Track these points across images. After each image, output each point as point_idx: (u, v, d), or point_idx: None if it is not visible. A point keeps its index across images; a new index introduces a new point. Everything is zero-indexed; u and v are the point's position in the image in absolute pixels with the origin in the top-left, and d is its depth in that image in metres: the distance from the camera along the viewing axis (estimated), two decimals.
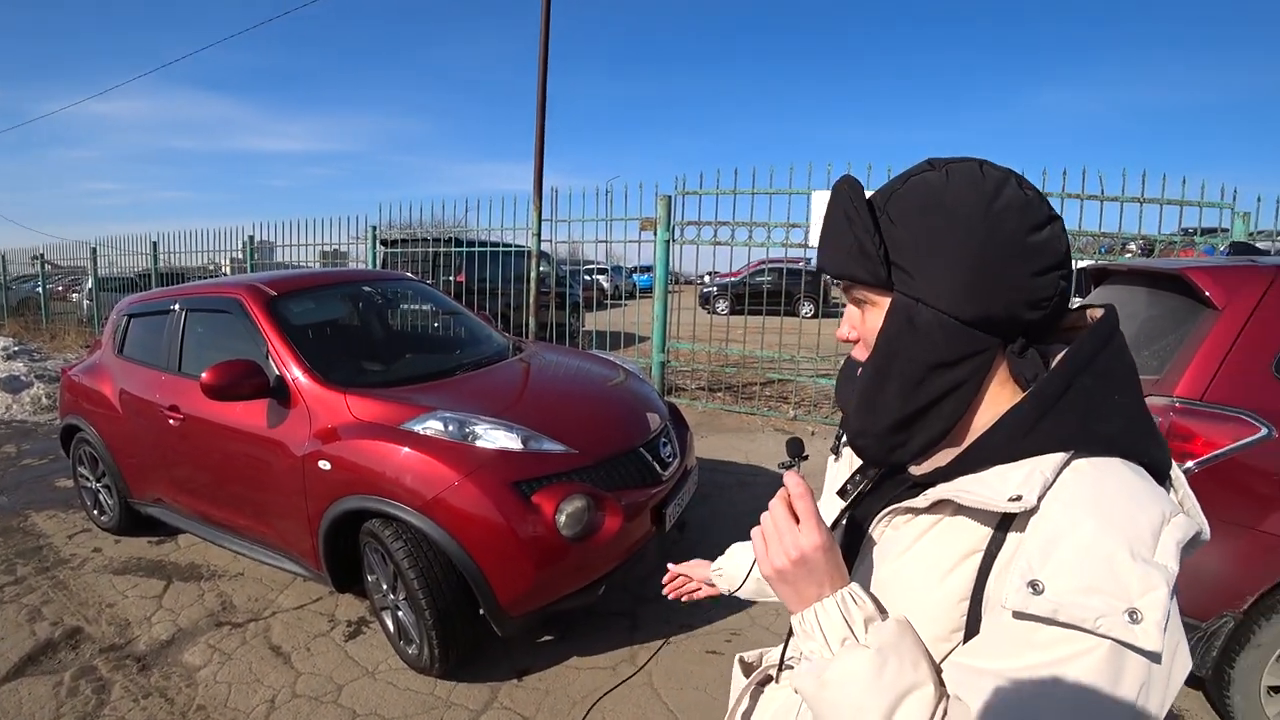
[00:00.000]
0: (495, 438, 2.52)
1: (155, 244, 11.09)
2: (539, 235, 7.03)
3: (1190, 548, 0.57)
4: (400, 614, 2.62)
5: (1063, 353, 0.64)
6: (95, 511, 4.14)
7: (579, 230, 6.84)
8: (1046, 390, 0.62)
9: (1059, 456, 0.60)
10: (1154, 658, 0.53)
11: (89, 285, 13.08)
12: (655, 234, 6.39)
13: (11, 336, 12.87)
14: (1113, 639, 0.52)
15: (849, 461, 0.87)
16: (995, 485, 0.61)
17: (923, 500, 0.66)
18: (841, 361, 0.91)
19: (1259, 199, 4.96)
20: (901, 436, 0.69)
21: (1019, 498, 0.58)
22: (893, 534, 0.71)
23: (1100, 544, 0.54)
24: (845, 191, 0.68)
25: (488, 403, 2.79)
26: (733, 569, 1.15)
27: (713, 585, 1.22)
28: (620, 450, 2.71)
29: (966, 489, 0.62)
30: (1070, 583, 0.53)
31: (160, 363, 3.54)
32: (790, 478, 0.69)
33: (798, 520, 0.66)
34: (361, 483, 2.53)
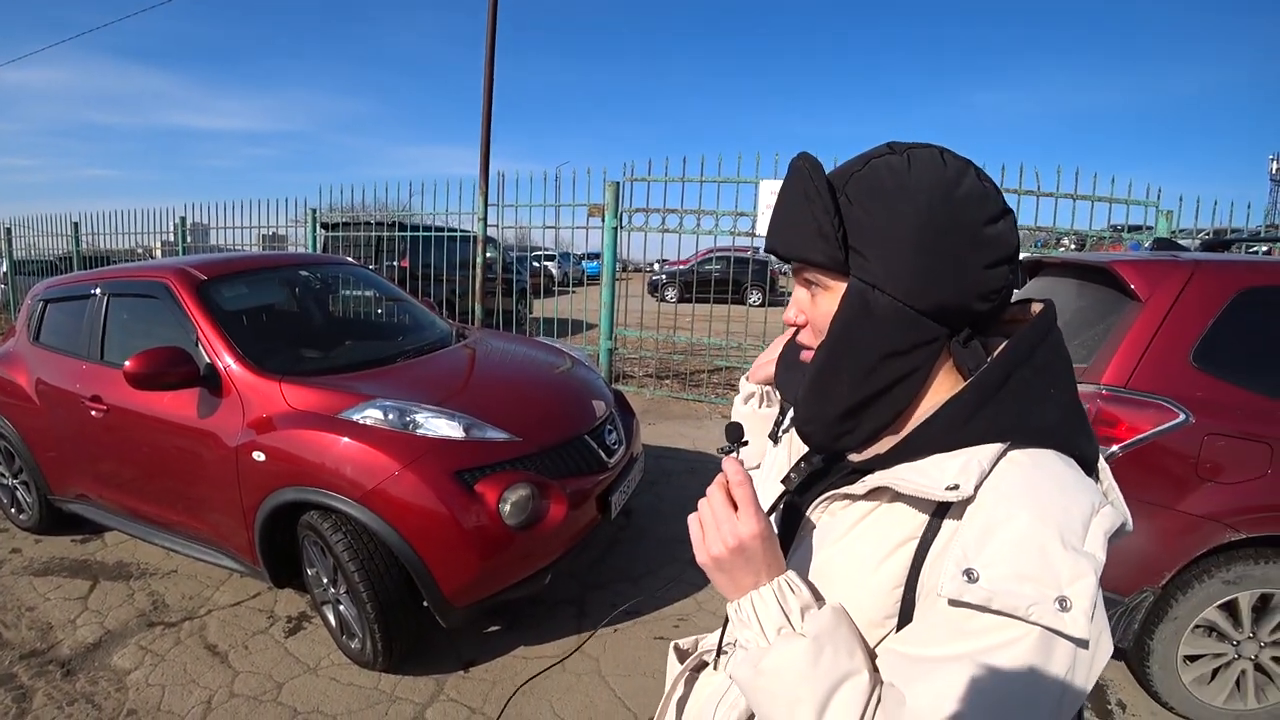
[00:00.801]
0: (437, 426, 2.47)
1: (77, 225, 10.49)
2: (485, 220, 6.90)
3: (1115, 537, 0.59)
4: (342, 608, 2.56)
5: (1003, 345, 0.65)
6: (13, 510, 3.91)
7: (526, 216, 6.75)
8: (986, 381, 0.63)
9: (995, 447, 0.61)
10: (1081, 644, 0.54)
11: (3, 268, 12.32)
12: (603, 220, 6.35)
13: None
14: (1042, 626, 0.53)
15: (789, 447, 0.87)
16: (933, 474, 0.61)
17: (860, 487, 0.66)
18: None
19: (1180, 199, 5.23)
20: (850, 424, 0.68)
21: (956, 487, 0.59)
22: (829, 520, 0.71)
23: (1034, 534, 0.55)
24: (805, 170, 0.65)
25: (429, 390, 2.73)
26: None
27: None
28: (565, 438, 2.69)
29: (904, 477, 0.63)
30: (1004, 570, 0.54)
31: (81, 351, 3.35)
32: (729, 464, 0.69)
33: (736, 508, 0.66)
34: (298, 474, 2.45)
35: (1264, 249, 5.46)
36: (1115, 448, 2.20)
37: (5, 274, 12.14)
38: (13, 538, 3.81)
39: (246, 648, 2.75)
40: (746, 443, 0.78)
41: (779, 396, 0.98)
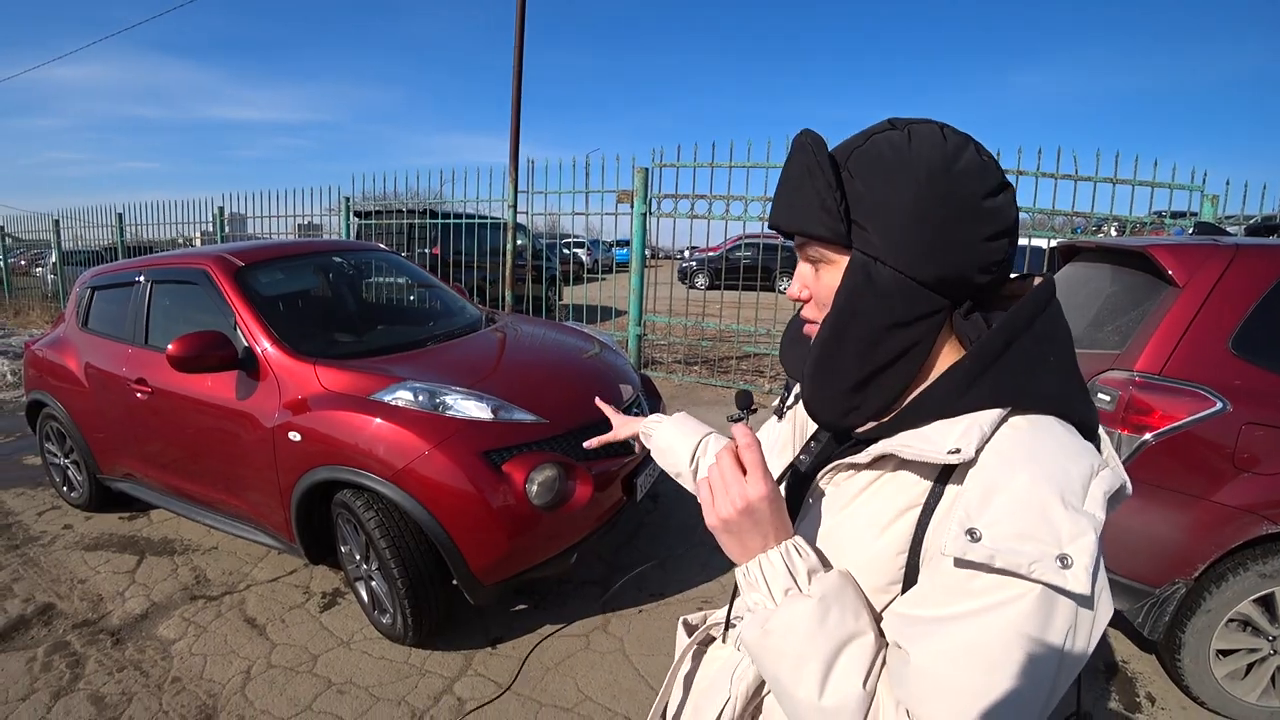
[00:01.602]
0: (465, 408, 2.52)
1: (121, 216, 10.80)
2: (515, 207, 6.95)
3: (1115, 500, 0.60)
4: (374, 584, 2.63)
5: (1004, 315, 0.66)
6: (64, 488, 4.08)
7: (556, 203, 6.78)
8: (987, 349, 0.63)
9: (996, 413, 0.62)
10: (1082, 601, 0.55)
11: (53, 259, 12.74)
12: (632, 207, 6.35)
13: None
14: (1044, 584, 0.54)
15: (794, 423, 0.88)
16: (935, 439, 0.62)
17: (865, 456, 0.67)
18: None
19: (1227, 183, 5.02)
20: (857, 399, 0.69)
21: (958, 450, 0.60)
22: (835, 490, 0.72)
23: (1034, 493, 0.56)
24: (808, 145, 0.67)
25: (458, 373, 2.78)
26: (667, 443, 1.17)
27: (642, 441, 1.24)
28: (591, 420, 2.72)
29: (907, 443, 0.64)
30: (1006, 529, 0.55)
31: (126, 335, 3.47)
32: (738, 429, 0.70)
33: (745, 472, 0.67)
34: (332, 454, 2.52)
35: None
36: (1149, 435, 2.16)
37: (55, 264, 12.55)
38: (65, 514, 3.98)
39: (283, 621, 2.84)
40: (755, 409, 0.78)
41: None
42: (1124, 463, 2.18)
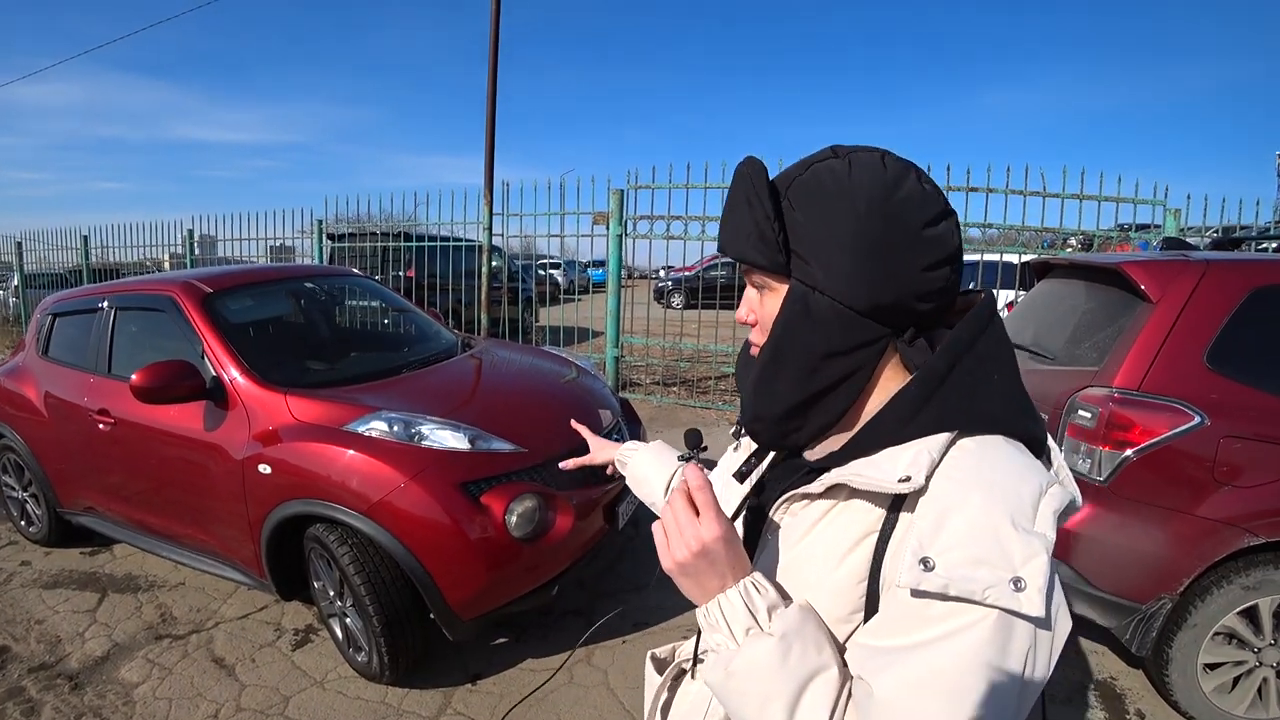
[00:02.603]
0: (442, 438, 2.46)
1: (86, 238, 10.57)
2: (490, 229, 6.91)
3: (1064, 515, 0.60)
4: (348, 621, 2.54)
5: (946, 338, 0.66)
6: (22, 522, 3.93)
7: (531, 225, 6.75)
8: (931, 373, 0.64)
9: (944, 437, 0.62)
10: (1038, 622, 0.55)
11: (15, 282, 12.43)
12: (608, 228, 6.35)
13: None
14: (1000, 608, 0.54)
15: (748, 449, 0.88)
16: (885, 468, 0.62)
17: (817, 486, 0.67)
18: None
19: (1188, 196, 5.16)
20: (796, 422, 0.70)
21: (908, 479, 0.60)
22: (791, 520, 0.71)
23: (985, 518, 0.56)
24: (747, 174, 0.67)
25: (434, 402, 2.72)
26: (642, 474, 1.18)
27: (618, 468, 1.25)
28: (571, 448, 2.66)
29: (858, 472, 0.64)
30: (959, 556, 0.55)
31: (88, 364, 3.36)
32: (690, 470, 0.69)
33: (698, 513, 0.66)
34: (304, 486, 2.44)
35: (1274, 246, 5.39)
36: (1129, 451, 2.17)
37: (17, 287, 12.25)
38: (22, 550, 3.82)
39: (254, 661, 2.74)
40: (706, 448, 0.79)
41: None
42: (1106, 480, 2.20)
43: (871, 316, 0.65)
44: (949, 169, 5.29)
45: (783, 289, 0.68)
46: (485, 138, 7.24)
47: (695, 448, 0.78)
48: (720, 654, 0.64)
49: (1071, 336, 2.59)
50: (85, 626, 3.03)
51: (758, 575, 0.65)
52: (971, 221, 5.34)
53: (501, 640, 2.83)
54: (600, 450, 1.29)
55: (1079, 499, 0.64)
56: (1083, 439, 2.27)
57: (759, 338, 0.73)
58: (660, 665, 0.96)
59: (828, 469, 0.67)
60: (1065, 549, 2.26)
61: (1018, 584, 0.54)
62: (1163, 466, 2.16)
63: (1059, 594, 0.57)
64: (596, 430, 2.85)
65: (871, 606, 0.63)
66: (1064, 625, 0.57)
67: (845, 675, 0.61)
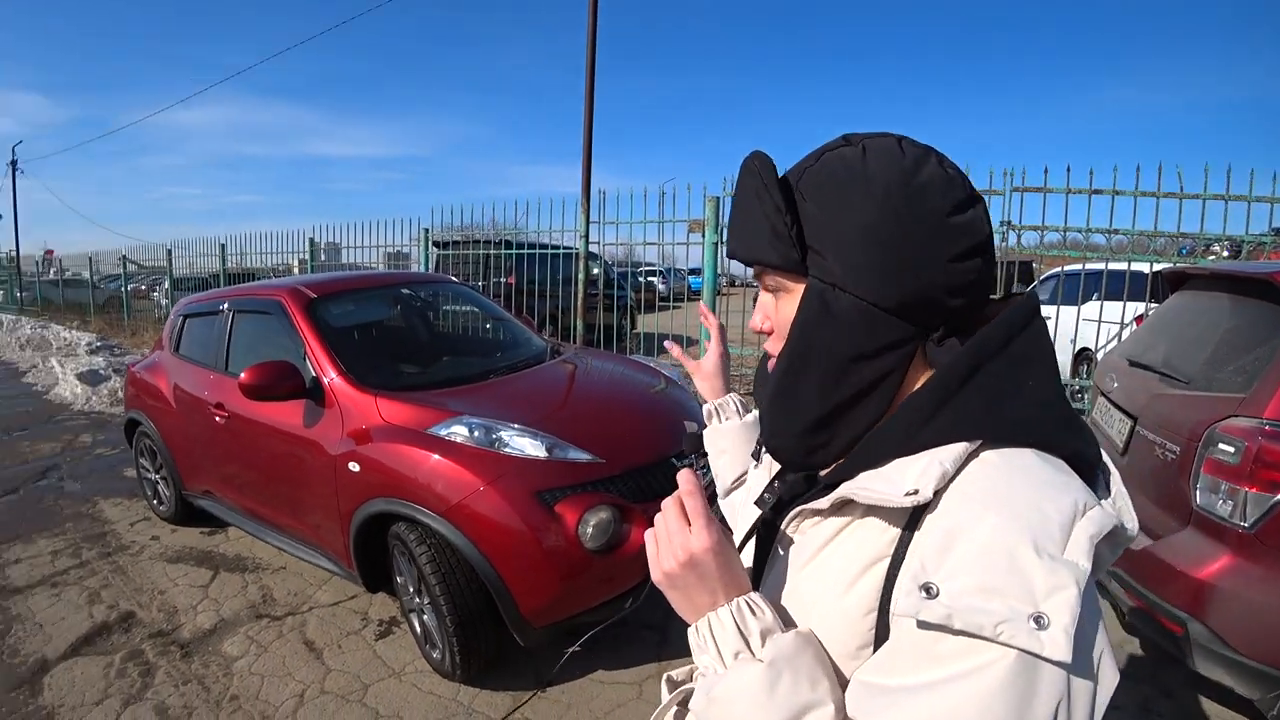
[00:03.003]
0: (521, 445, 2.47)
1: (224, 246, 11.56)
2: (586, 237, 7.00)
3: (1112, 544, 0.52)
4: (425, 618, 2.61)
5: (973, 337, 0.58)
6: (154, 501, 4.31)
7: (628, 232, 6.78)
8: (949, 376, 0.56)
9: (961, 447, 0.54)
10: (1073, 669, 0.45)
11: (166, 284, 13.77)
12: (704, 236, 6.27)
13: (95, 333, 13.69)
14: (1016, 648, 0.45)
15: (769, 467, 0.80)
16: (894, 479, 0.55)
17: (825, 501, 0.60)
18: None
19: None
20: (822, 437, 0.62)
21: (915, 492, 0.53)
22: (801, 539, 0.64)
23: (1002, 540, 0.47)
24: (755, 168, 0.62)
25: (517, 408, 2.75)
26: (729, 443, 1.02)
27: (705, 416, 1.08)
28: (650, 460, 2.62)
29: (864, 485, 0.56)
30: (966, 583, 0.47)
31: (210, 361, 3.64)
32: (683, 475, 0.63)
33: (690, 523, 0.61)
34: (388, 485, 2.52)
35: None
36: None
37: (167, 290, 13.57)
38: (154, 526, 4.20)
39: (340, 647, 2.86)
40: (705, 454, 0.74)
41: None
42: (1253, 526, 1.91)
43: (897, 314, 0.58)
44: (1068, 169, 4.85)
45: (799, 290, 0.62)
46: (583, 147, 7.36)
47: (695, 452, 0.71)
48: (706, 678, 0.58)
49: (1211, 357, 2.30)
50: (198, 600, 3.27)
51: (755, 595, 0.60)
52: (1096, 227, 4.89)
53: (574, 649, 2.81)
54: (714, 368, 1.10)
55: (1132, 526, 0.55)
56: (1224, 477, 1.98)
57: (776, 346, 0.67)
58: (674, 687, 0.90)
59: (839, 482, 0.60)
60: (1200, 603, 1.98)
61: (1039, 621, 0.44)
62: None
63: (1102, 638, 0.47)
64: (679, 442, 2.79)
65: (881, 642, 0.56)
66: (1109, 678, 0.47)
67: (843, 717, 0.53)
